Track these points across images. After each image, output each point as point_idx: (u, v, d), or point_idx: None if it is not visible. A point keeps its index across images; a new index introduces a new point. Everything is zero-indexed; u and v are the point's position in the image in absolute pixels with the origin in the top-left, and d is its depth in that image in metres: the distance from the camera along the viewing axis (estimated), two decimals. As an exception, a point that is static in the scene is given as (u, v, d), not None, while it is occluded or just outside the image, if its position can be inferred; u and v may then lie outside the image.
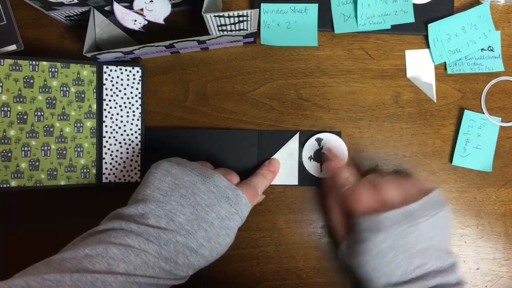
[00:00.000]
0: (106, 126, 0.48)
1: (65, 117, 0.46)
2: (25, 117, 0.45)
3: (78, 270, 0.33)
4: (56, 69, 0.46)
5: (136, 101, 0.49)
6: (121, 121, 0.48)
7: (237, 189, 0.41)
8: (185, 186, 0.40)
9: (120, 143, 0.48)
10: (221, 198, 0.40)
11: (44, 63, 0.45)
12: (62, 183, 0.47)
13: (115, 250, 0.35)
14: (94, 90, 0.47)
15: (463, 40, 0.50)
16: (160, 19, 0.46)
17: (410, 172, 0.50)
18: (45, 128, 0.46)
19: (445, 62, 0.51)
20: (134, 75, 0.48)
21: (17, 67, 0.44)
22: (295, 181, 0.50)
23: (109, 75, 0.48)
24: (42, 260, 0.33)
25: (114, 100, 0.48)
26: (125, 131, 0.48)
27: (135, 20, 0.45)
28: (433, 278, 0.38)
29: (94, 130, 0.48)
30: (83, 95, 0.47)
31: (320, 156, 0.50)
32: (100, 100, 0.48)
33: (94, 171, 0.48)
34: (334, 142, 0.50)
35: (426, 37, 0.50)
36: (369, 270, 0.40)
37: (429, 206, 0.40)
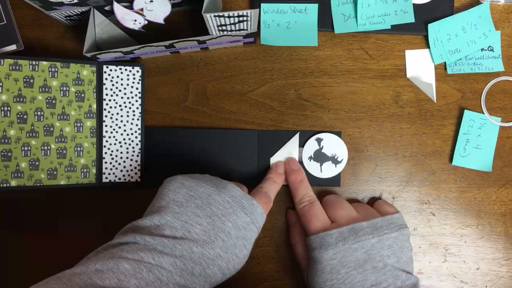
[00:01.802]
0: (106, 126, 0.48)
1: (65, 117, 0.46)
2: (25, 117, 0.45)
3: (87, 286, 0.32)
4: (56, 69, 0.46)
5: (136, 101, 0.49)
6: (121, 121, 0.48)
7: (252, 198, 0.41)
8: (200, 197, 0.40)
9: (120, 142, 0.48)
10: (237, 208, 0.40)
11: (44, 63, 0.45)
12: (62, 182, 0.47)
13: (127, 265, 0.34)
14: (94, 90, 0.47)
15: (463, 40, 0.50)
16: (160, 19, 0.46)
17: (381, 197, 0.51)
18: (45, 128, 0.46)
19: (445, 62, 0.51)
20: (134, 75, 0.48)
21: (17, 67, 0.44)
22: (295, 181, 0.50)
23: (109, 75, 0.48)
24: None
25: (114, 100, 0.48)
26: (125, 130, 0.48)
27: (135, 20, 0.45)
28: None
29: (94, 130, 0.48)
30: (83, 95, 0.47)
31: (320, 156, 0.50)
32: (100, 100, 0.48)
33: (94, 170, 0.48)
34: (334, 142, 0.50)
35: (426, 37, 0.50)
36: None
37: (380, 226, 0.42)
